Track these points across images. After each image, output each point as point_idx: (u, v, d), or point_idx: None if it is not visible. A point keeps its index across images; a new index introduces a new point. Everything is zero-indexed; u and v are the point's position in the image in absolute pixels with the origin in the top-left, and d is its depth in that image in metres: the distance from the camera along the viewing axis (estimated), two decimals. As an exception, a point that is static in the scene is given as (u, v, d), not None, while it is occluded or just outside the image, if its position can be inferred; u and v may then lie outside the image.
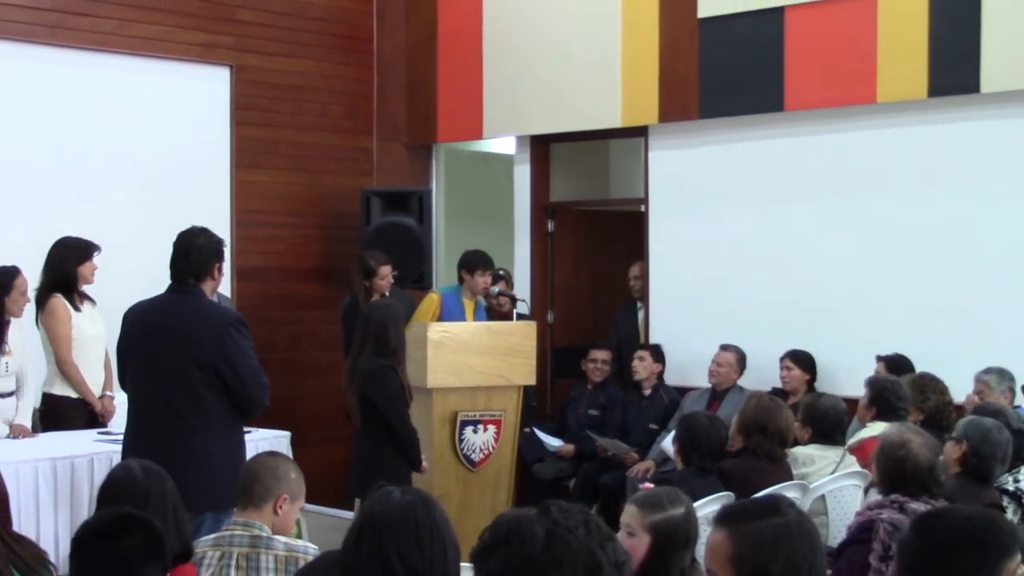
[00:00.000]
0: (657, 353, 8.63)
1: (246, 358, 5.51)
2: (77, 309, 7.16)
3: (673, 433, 6.39)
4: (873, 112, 7.91)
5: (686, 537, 3.84)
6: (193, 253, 5.57)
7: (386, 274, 8.25)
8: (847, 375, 7.68)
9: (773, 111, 8.24)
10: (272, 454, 4.56)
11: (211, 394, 5.46)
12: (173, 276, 5.63)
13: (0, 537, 3.52)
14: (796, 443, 6.17)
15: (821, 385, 7.88)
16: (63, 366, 7.08)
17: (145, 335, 5.58)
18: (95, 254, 7.23)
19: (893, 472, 4.62)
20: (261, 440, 6.69)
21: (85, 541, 3.06)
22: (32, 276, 7.04)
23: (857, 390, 6.63)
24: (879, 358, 7.41)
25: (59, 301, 7.09)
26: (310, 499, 8.02)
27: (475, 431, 7.45)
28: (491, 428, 7.50)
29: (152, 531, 3.05)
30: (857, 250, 8.03)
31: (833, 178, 8.14)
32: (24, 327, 7.02)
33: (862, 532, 4.45)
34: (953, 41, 7.47)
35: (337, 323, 8.67)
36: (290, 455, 6.91)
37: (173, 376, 5.46)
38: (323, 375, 8.95)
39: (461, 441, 7.42)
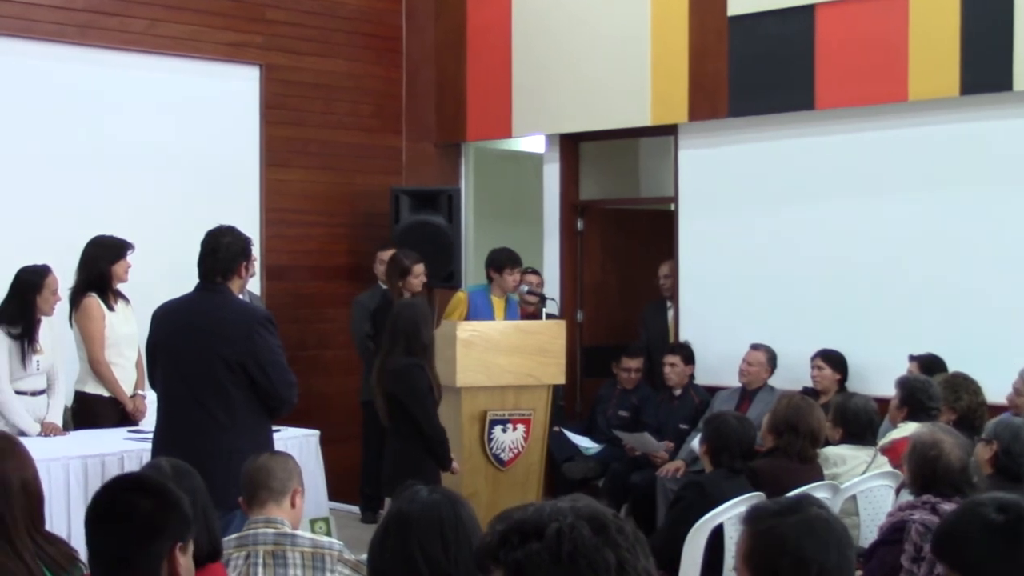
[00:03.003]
0: (687, 355, 8.59)
1: (274, 356, 5.52)
2: (111, 308, 7.18)
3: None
4: (905, 110, 7.85)
5: None
6: (220, 251, 5.58)
7: (419, 272, 8.25)
8: (878, 375, 7.62)
9: (803, 109, 8.19)
10: (272, 453, 4.56)
11: (240, 392, 5.47)
12: (200, 275, 5.64)
13: (32, 538, 3.52)
14: (827, 443, 6.13)
15: (852, 385, 7.83)
16: (96, 365, 7.10)
17: (173, 334, 5.60)
18: (128, 252, 7.25)
19: (925, 472, 4.60)
20: (290, 439, 6.72)
21: (89, 522, 2.98)
22: (64, 275, 7.06)
23: (888, 390, 6.58)
24: (912, 358, 7.35)
25: (93, 300, 7.12)
26: (340, 497, 8.14)
27: (504, 430, 7.44)
28: (520, 427, 7.48)
29: (160, 499, 2.94)
30: (889, 249, 7.97)
31: (865, 176, 8.08)
32: (55, 325, 7.04)
33: (894, 533, 4.44)
34: (985, 38, 7.41)
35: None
36: (319, 454, 6.96)
37: (202, 374, 5.47)
38: (353, 373, 8.95)
39: (490, 440, 7.40)
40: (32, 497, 3.58)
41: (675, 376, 8.57)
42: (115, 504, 2.96)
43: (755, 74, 8.36)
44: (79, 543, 4.61)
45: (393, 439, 6.38)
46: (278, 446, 5.79)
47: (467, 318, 7.97)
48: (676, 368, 8.56)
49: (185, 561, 2.95)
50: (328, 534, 4.68)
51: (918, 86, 7.69)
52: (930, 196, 7.82)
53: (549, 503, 2.19)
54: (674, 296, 9.06)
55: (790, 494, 4.80)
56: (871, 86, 7.91)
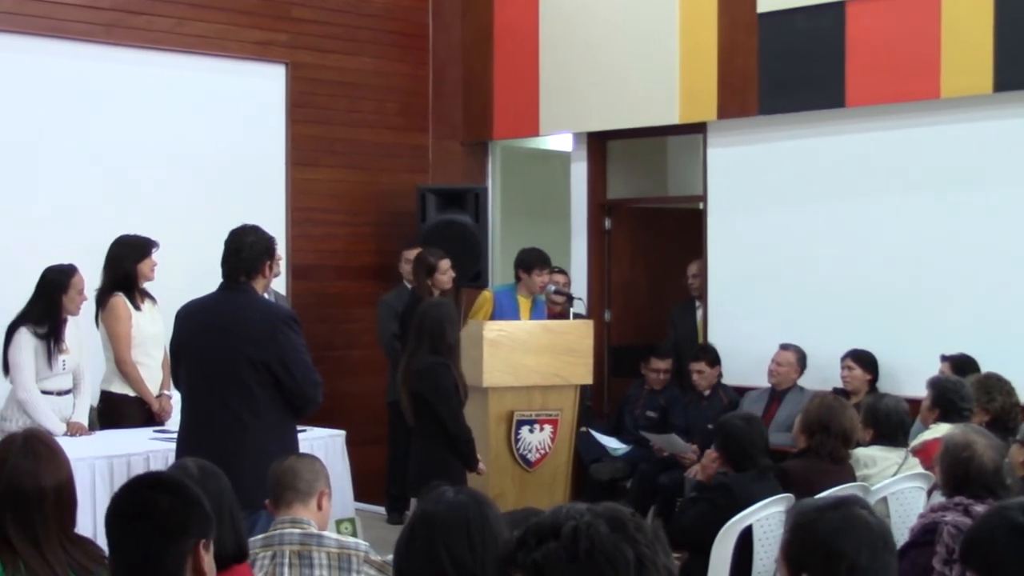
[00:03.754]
0: (712, 358, 8.56)
1: (299, 355, 5.51)
2: (138, 308, 7.18)
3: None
4: (937, 108, 7.79)
5: None
6: (243, 251, 5.58)
7: (446, 268, 8.23)
8: (910, 375, 7.54)
9: (834, 107, 8.13)
10: (299, 455, 4.54)
11: (264, 392, 5.46)
12: (224, 274, 5.64)
13: (63, 546, 3.50)
14: (858, 444, 6.09)
15: (883, 385, 7.77)
16: (122, 366, 7.10)
17: (197, 334, 5.59)
18: (153, 250, 7.24)
19: (958, 474, 4.54)
20: (316, 439, 6.71)
21: (110, 521, 2.93)
22: (89, 275, 7.06)
23: (920, 390, 6.52)
24: (944, 358, 7.29)
25: (120, 300, 7.11)
26: (366, 498, 8.12)
27: (531, 431, 7.40)
28: (547, 428, 7.45)
29: (180, 497, 2.90)
30: (921, 247, 7.91)
31: (896, 175, 8.02)
32: (81, 325, 7.05)
33: (925, 535, 4.39)
34: (1019, 34, 7.35)
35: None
36: (345, 454, 6.94)
37: (226, 374, 5.46)
38: (379, 373, 8.92)
39: (517, 441, 7.37)
40: (65, 502, 3.56)
41: (703, 381, 8.55)
42: (136, 502, 2.92)
43: (785, 71, 8.31)
44: (104, 543, 4.61)
45: (419, 439, 6.35)
46: (303, 446, 5.79)
47: (492, 318, 7.94)
48: (703, 374, 8.53)
49: (208, 559, 2.92)
50: (354, 535, 4.65)
51: (951, 83, 7.62)
52: (963, 194, 7.76)
53: (566, 505, 2.18)
54: (703, 296, 9.01)
55: (828, 492, 4.84)
56: (902, 83, 7.85)
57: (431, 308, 6.47)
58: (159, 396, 7.21)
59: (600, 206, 9.76)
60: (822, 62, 8.11)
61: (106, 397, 7.18)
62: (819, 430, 5.76)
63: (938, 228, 7.85)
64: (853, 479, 5.75)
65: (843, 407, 5.87)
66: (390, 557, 3.28)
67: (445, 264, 8.22)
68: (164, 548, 2.84)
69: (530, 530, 2.11)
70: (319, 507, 4.27)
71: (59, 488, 3.53)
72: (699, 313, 9.10)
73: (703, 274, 8.98)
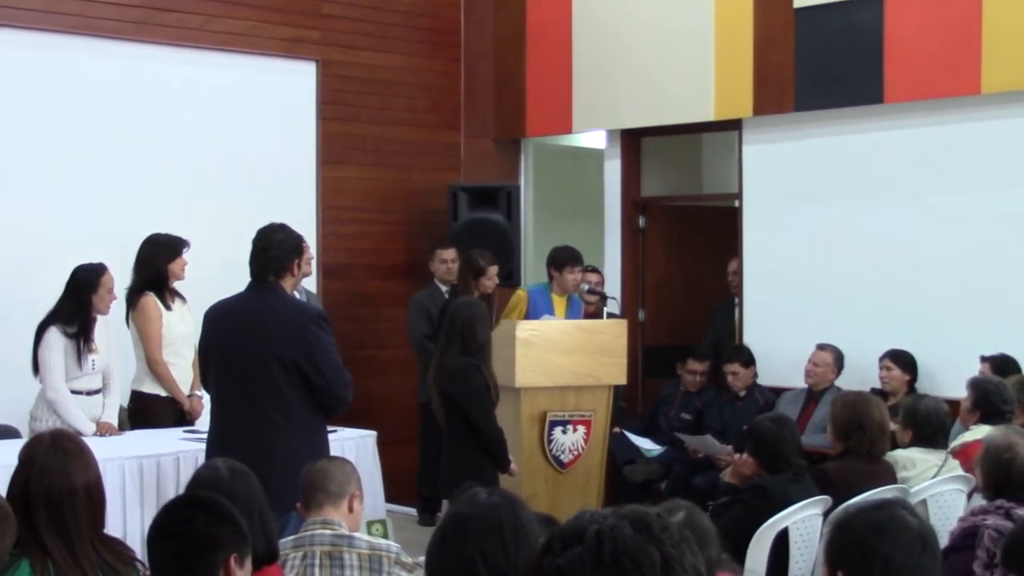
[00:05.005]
0: (746, 359, 8.49)
1: (329, 354, 5.48)
2: (168, 307, 7.18)
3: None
4: (977, 104, 7.69)
5: None
6: (272, 249, 5.56)
7: (493, 274, 8.22)
8: (949, 375, 7.45)
9: (872, 103, 8.05)
10: (330, 458, 4.53)
11: (294, 392, 5.44)
12: (253, 273, 5.62)
13: (94, 546, 3.52)
14: (896, 445, 6.04)
15: (922, 386, 7.69)
16: (153, 365, 7.09)
17: (226, 334, 5.58)
18: (184, 250, 7.24)
19: (999, 476, 4.52)
20: (347, 439, 6.70)
21: (149, 540, 3.15)
22: (119, 274, 7.05)
23: (960, 391, 6.47)
24: (983, 358, 7.21)
25: (151, 300, 7.11)
26: (397, 499, 8.07)
27: (564, 431, 7.35)
28: (581, 429, 7.39)
29: (214, 514, 3.12)
30: (961, 246, 7.82)
31: (935, 172, 7.93)
32: (111, 324, 7.04)
33: (966, 538, 4.35)
34: (1063, 28, 7.25)
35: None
36: (376, 455, 6.90)
37: (255, 374, 5.44)
38: (410, 374, 8.89)
39: (550, 442, 7.32)
40: (95, 502, 3.58)
41: (738, 382, 8.49)
42: (173, 519, 3.16)
43: (822, 67, 8.23)
44: (133, 543, 4.60)
45: (450, 440, 6.32)
46: (334, 447, 5.79)
47: (526, 317, 7.91)
48: (738, 375, 8.48)
49: (241, 574, 3.08)
50: (385, 536, 4.66)
51: (991, 78, 7.53)
52: (1002, 192, 7.67)
53: (591, 510, 2.15)
54: (739, 295, 8.92)
55: (868, 494, 4.76)
56: (942, 78, 7.76)
57: (462, 307, 6.42)
58: (190, 396, 7.20)
59: (634, 204, 9.70)
60: (860, 57, 8.03)
61: (137, 397, 7.18)
62: (854, 430, 5.69)
63: (979, 226, 7.75)
64: (894, 481, 5.69)
65: (866, 400, 5.82)
66: (421, 559, 3.29)
67: (494, 270, 8.22)
68: (197, 560, 3.05)
69: (554, 536, 2.07)
70: (350, 509, 4.27)
71: (89, 487, 3.55)
72: (738, 312, 9.02)
73: (741, 272, 8.89)
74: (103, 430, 6.74)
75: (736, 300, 9.06)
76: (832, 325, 8.27)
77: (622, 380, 7.69)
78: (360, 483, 4.37)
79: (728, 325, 9.09)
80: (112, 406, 6.95)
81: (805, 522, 5.27)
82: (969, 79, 7.61)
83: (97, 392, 6.89)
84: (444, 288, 8.65)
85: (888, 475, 5.72)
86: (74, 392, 6.76)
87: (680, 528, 2.08)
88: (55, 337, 6.71)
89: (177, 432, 6.81)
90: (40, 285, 7.23)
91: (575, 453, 7.38)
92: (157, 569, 3.12)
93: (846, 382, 8.00)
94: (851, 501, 3.04)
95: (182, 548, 3.06)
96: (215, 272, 7.50)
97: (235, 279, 6.00)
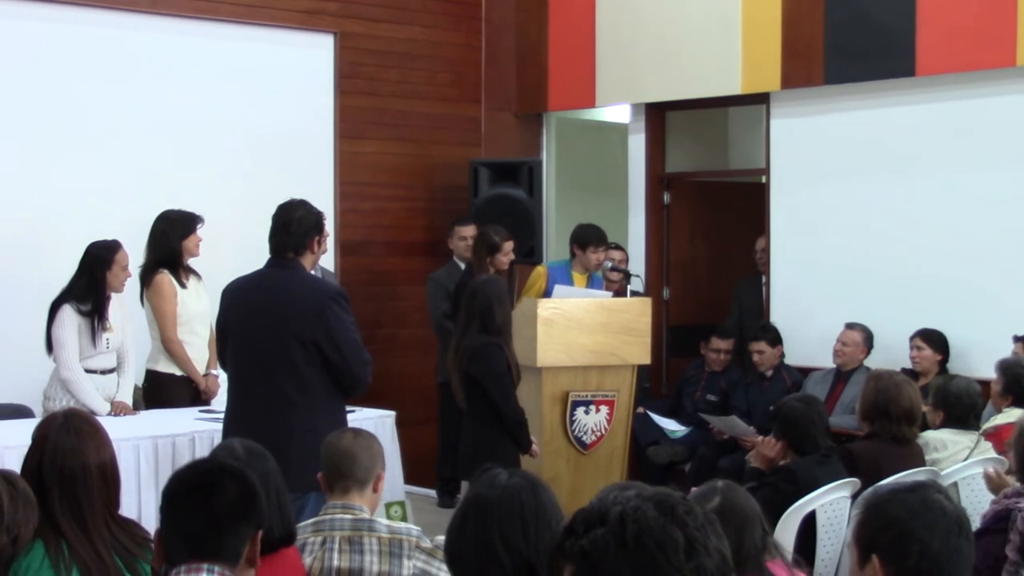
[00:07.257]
0: (773, 337, 8.40)
1: (348, 333, 5.44)
2: (183, 285, 7.13)
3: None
4: (1012, 76, 7.57)
5: None
6: (292, 226, 5.51)
7: (508, 250, 8.13)
8: (982, 355, 7.34)
9: (904, 76, 7.93)
10: (355, 431, 4.43)
11: (313, 371, 5.40)
12: (272, 250, 5.57)
13: (106, 522, 3.48)
14: (927, 427, 5.98)
15: (954, 366, 7.60)
16: (168, 344, 7.05)
17: (245, 312, 5.53)
18: (198, 226, 7.19)
19: (1033, 459, 4.50)
20: (365, 420, 6.64)
21: (175, 496, 2.88)
22: (133, 250, 6.99)
23: (992, 371, 6.39)
24: (1016, 339, 7.11)
25: (165, 278, 7.05)
26: (416, 481, 7.98)
27: (587, 412, 7.29)
28: (604, 409, 7.33)
29: (245, 485, 2.90)
30: (994, 223, 7.71)
31: (968, 147, 7.82)
32: (125, 302, 7.00)
33: (998, 522, 4.33)
34: (1101, -2, 7.11)
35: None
36: (395, 436, 6.82)
37: (274, 353, 5.40)
38: (429, 353, 8.85)
39: (572, 422, 7.26)
40: (110, 482, 3.55)
41: (764, 362, 8.40)
42: (205, 480, 2.90)
43: (852, 39, 8.11)
44: (148, 524, 4.50)
45: (470, 421, 6.27)
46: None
47: (546, 294, 7.80)
48: (764, 354, 8.39)
49: (257, 554, 2.92)
50: (404, 518, 4.65)
51: (1028, 50, 7.43)
52: (1039, 167, 7.56)
53: (612, 490, 2.19)
54: (767, 272, 8.83)
55: (897, 476, 4.65)
56: (976, 50, 7.64)
57: (481, 286, 6.35)
58: (206, 375, 7.17)
59: (659, 180, 9.62)
60: (891, 28, 7.92)
61: (152, 376, 7.14)
62: (879, 416, 5.64)
63: (1012, 202, 7.64)
64: (922, 463, 5.64)
65: (897, 386, 5.70)
66: (440, 538, 3.24)
67: (509, 245, 8.11)
68: (228, 528, 2.82)
69: (577, 517, 2.10)
70: (375, 490, 4.22)
71: (103, 466, 3.53)
72: (765, 290, 8.90)
73: (769, 249, 8.79)
74: (117, 410, 6.71)
75: (763, 278, 8.96)
76: (861, 303, 8.18)
77: (646, 360, 7.63)
78: (384, 459, 4.30)
79: (755, 303, 9.00)
80: (127, 385, 6.92)
81: (833, 505, 5.24)
82: (1004, 51, 7.49)
83: (111, 371, 6.85)
84: (463, 265, 8.55)
85: (917, 457, 5.65)
86: (88, 371, 6.72)
87: (705, 511, 2.10)
88: (69, 315, 6.66)
89: (192, 412, 6.79)
90: (54, 262, 7.20)
91: (598, 434, 7.32)
92: (178, 532, 2.83)
93: (875, 362, 7.91)
94: (882, 483, 2.96)
95: (218, 511, 2.80)
96: (231, 249, 7.51)
97: (251, 256, 5.98)
